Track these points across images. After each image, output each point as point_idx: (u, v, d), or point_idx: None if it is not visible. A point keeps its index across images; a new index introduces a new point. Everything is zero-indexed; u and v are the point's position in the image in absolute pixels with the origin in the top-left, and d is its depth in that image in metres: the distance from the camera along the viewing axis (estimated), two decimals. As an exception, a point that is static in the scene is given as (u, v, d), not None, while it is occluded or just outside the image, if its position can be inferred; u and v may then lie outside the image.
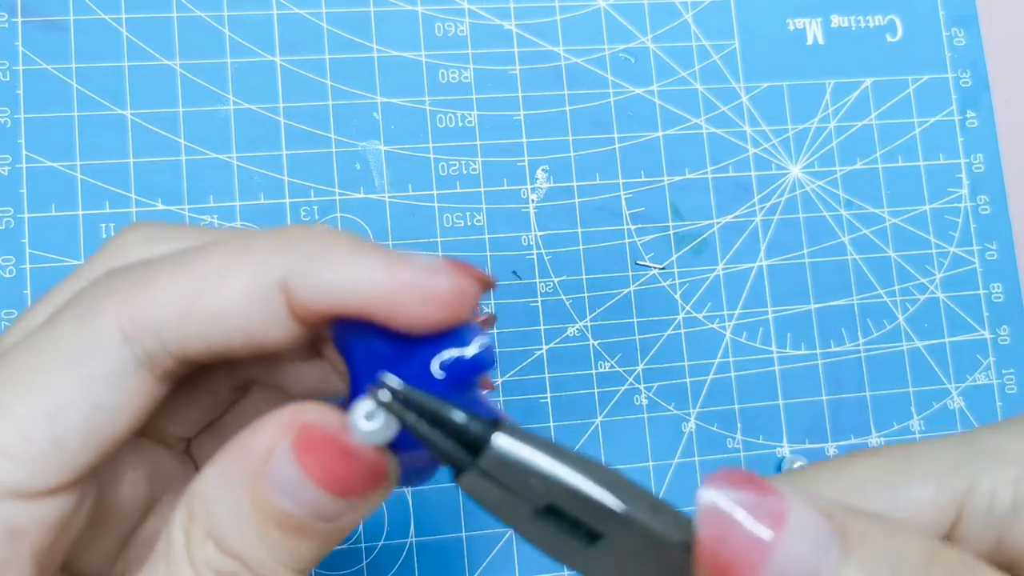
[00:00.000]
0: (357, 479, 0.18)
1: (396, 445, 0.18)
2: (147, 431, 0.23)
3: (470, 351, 0.18)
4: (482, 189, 0.35)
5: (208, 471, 0.18)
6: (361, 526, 0.32)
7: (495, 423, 0.16)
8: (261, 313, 0.18)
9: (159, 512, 0.24)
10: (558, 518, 0.16)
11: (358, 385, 0.18)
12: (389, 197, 0.35)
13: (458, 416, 0.16)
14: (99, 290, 0.19)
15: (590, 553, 0.16)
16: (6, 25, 0.33)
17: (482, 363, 0.19)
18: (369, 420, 0.17)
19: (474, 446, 0.16)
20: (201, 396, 0.24)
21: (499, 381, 0.34)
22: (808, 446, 0.36)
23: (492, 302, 0.35)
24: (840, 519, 0.15)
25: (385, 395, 0.17)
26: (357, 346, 0.19)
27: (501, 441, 0.16)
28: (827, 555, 0.14)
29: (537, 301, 0.35)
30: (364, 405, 0.17)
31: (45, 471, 0.18)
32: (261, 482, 0.17)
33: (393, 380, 0.17)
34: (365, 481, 0.18)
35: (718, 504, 0.15)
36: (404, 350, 0.18)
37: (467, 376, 0.19)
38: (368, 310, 0.18)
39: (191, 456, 0.25)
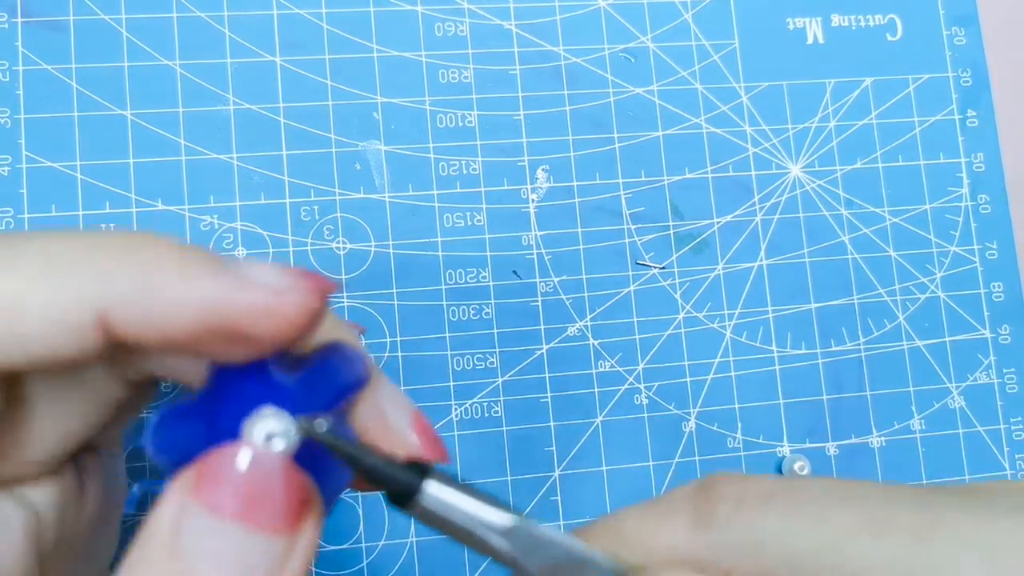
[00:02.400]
0: (278, 499, 0.15)
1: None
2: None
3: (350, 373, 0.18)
4: (482, 189, 0.35)
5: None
6: (361, 525, 0.32)
7: (424, 471, 0.17)
8: (73, 341, 0.16)
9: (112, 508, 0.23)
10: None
11: (224, 423, 0.17)
12: (389, 197, 0.35)
13: (384, 467, 0.17)
14: None
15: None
16: (6, 25, 0.33)
17: (355, 385, 0.18)
18: (269, 440, 0.16)
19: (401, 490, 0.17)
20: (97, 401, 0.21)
21: (499, 381, 0.34)
22: (808, 445, 0.36)
23: (493, 303, 0.35)
24: None
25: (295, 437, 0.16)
26: (221, 377, 0.17)
27: (425, 499, 0.17)
28: None
29: (537, 301, 0.35)
30: (263, 425, 0.16)
31: None
32: (178, 558, 0.15)
33: (320, 424, 0.16)
34: (288, 501, 0.16)
35: None
36: (272, 378, 0.17)
37: (341, 400, 0.18)
38: (206, 340, 0.16)
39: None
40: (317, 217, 0.34)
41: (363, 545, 0.32)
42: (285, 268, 0.17)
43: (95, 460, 0.22)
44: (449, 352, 0.34)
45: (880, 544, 0.15)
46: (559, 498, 0.34)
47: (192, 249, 0.17)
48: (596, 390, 0.35)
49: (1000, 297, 0.38)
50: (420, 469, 0.17)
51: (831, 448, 0.36)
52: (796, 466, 0.34)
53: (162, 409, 0.17)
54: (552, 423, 0.34)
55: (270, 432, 0.16)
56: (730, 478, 0.17)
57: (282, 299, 0.16)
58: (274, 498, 0.15)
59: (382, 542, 0.33)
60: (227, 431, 0.16)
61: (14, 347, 0.16)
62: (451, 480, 0.17)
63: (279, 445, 0.16)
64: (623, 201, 0.36)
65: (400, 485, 0.16)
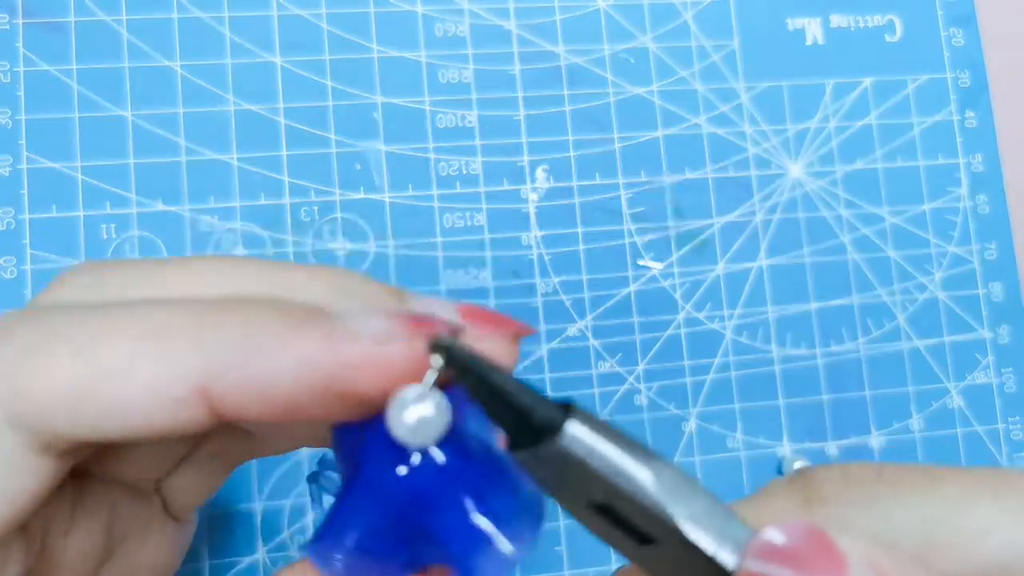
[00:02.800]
0: None
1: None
2: (102, 474, 0.21)
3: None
4: (482, 189, 0.35)
5: None
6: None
7: (567, 408, 0.15)
8: (174, 414, 0.16)
9: (122, 555, 0.21)
10: (612, 515, 0.15)
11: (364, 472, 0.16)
12: (389, 197, 0.35)
13: (526, 395, 0.15)
14: None
15: (641, 550, 0.15)
16: (7, 26, 0.33)
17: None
18: (416, 407, 0.15)
19: (538, 428, 0.15)
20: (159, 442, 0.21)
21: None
22: (809, 445, 0.36)
23: (493, 303, 0.35)
24: None
25: (437, 360, 0.15)
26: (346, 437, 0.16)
27: (573, 431, 0.14)
28: None
29: (537, 301, 0.35)
30: (412, 391, 0.15)
31: None
32: None
33: (446, 339, 0.15)
34: None
35: (768, 552, 0.14)
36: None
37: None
38: (311, 403, 0.15)
39: (160, 493, 0.23)
40: (317, 217, 0.34)
41: (364, 545, 0.33)
42: (394, 314, 0.16)
43: (100, 491, 0.21)
44: (449, 352, 0.34)
45: (1000, 502, 0.15)
46: (559, 498, 0.34)
47: (294, 308, 0.16)
48: (596, 390, 0.35)
49: (999, 297, 0.38)
50: (565, 408, 0.15)
51: (831, 448, 0.36)
52: (796, 466, 0.35)
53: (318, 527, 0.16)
54: (552, 423, 0.34)
55: (422, 416, 0.15)
56: (828, 466, 0.17)
57: (384, 349, 0.15)
58: None
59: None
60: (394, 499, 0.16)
61: (116, 420, 0.16)
62: (593, 418, 0.15)
63: (436, 427, 0.15)
64: (623, 201, 0.36)
65: (542, 419, 0.14)
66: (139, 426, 0.16)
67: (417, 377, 0.15)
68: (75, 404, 0.15)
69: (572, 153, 0.36)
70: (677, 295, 0.36)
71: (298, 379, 0.15)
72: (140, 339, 0.16)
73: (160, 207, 0.33)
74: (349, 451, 0.17)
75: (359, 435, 0.16)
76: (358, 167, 0.35)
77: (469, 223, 0.35)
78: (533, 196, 0.35)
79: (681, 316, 0.36)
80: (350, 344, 0.15)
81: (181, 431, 0.16)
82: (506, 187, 0.35)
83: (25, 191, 0.32)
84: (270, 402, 0.15)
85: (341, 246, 0.34)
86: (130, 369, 0.15)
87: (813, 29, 0.38)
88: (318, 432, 0.20)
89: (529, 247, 0.35)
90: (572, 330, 0.35)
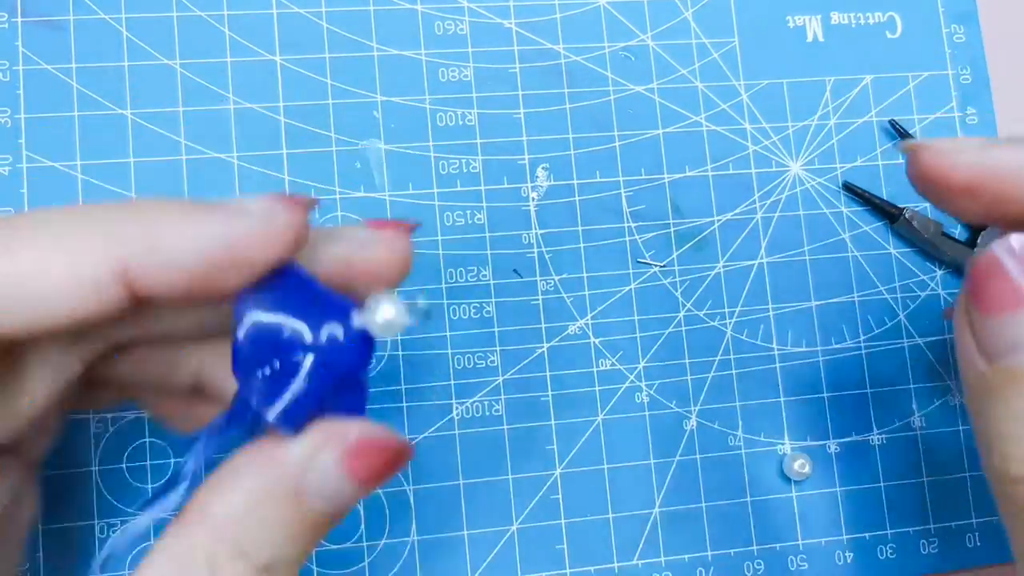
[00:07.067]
0: (391, 468, 0.19)
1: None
2: None
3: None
4: (482, 187, 0.35)
5: (229, 495, 0.18)
6: (363, 526, 0.33)
7: None
8: (97, 296, 0.18)
9: None
10: None
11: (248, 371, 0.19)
12: (389, 196, 0.35)
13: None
14: None
15: None
16: (6, 25, 0.33)
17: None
18: (387, 314, 0.19)
19: None
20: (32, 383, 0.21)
21: (500, 379, 0.34)
22: (809, 443, 0.36)
23: (493, 301, 0.35)
24: None
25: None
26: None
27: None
28: None
29: (538, 299, 0.35)
30: (383, 311, 0.19)
31: None
32: (303, 493, 0.18)
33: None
34: (396, 466, 0.20)
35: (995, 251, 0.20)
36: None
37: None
38: (219, 273, 0.18)
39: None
40: (317, 216, 0.34)
41: (364, 544, 0.33)
42: (268, 195, 0.19)
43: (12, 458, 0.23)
44: (450, 351, 0.34)
45: None
46: (560, 497, 0.34)
47: (189, 199, 0.19)
48: (597, 388, 0.35)
49: (1000, 294, 0.37)
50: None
51: (832, 446, 0.36)
52: (796, 464, 0.35)
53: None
54: (553, 421, 0.34)
55: (388, 319, 0.19)
56: None
57: (274, 219, 0.18)
58: (391, 463, 0.19)
59: (383, 541, 0.33)
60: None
61: (40, 310, 0.17)
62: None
63: (401, 320, 0.19)
64: (623, 199, 0.36)
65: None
66: (66, 314, 0.18)
67: (300, 242, 0.19)
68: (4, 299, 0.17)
69: (572, 151, 0.36)
70: (678, 293, 0.36)
71: (204, 251, 0.18)
72: (56, 238, 0.17)
73: (160, 206, 0.33)
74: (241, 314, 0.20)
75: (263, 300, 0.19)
76: (358, 166, 0.35)
77: (470, 221, 0.35)
78: (534, 194, 0.35)
79: (681, 314, 0.36)
80: (245, 219, 0.18)
81: (104, 313, 0.18)
82: (506, 186, 0.35)
83: (25, 190, 0.32)
84: (180, 275, 0.18)
85: (341, 245, 0.34)
86: (49, 264, 0.17)
87: (813, 26, 0.38)
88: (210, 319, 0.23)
89: (530, 245, 0.35)
90: (573, 328, 0.35)
